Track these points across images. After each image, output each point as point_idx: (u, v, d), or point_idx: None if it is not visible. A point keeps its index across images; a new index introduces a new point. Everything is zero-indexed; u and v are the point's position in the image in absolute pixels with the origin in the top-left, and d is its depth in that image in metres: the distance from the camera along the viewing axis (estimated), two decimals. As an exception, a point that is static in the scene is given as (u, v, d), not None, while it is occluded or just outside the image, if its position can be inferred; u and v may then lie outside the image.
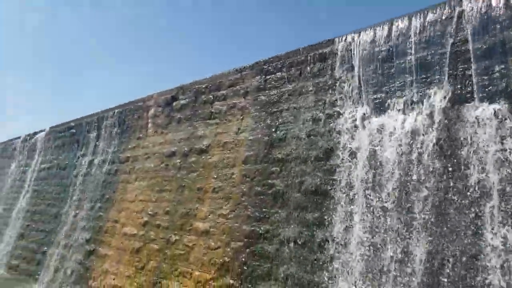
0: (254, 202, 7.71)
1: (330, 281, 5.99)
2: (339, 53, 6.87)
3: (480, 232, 4.57)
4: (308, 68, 7.54)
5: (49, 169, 16.76)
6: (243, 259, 7.41)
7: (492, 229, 4.43)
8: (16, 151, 21.00)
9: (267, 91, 8.27)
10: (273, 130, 7.88)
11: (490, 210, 4.47)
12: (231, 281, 7.42)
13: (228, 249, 7.77)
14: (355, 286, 5.56)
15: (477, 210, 4.60)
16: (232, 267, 7.54)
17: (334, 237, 6.10)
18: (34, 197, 16.83)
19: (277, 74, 8.18)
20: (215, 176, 8.88)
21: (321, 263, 6.20)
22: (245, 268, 7.33)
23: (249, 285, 7.11)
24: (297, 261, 6.58)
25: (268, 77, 8.30)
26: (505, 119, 4.56)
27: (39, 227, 15.28)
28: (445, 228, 4.89)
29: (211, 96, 9.79)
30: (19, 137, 21.03)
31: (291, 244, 6.75)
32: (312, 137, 7.01)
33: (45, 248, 14.09)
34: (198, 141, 9.74)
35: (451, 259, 4.68)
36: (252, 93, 8.63)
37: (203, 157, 9.42)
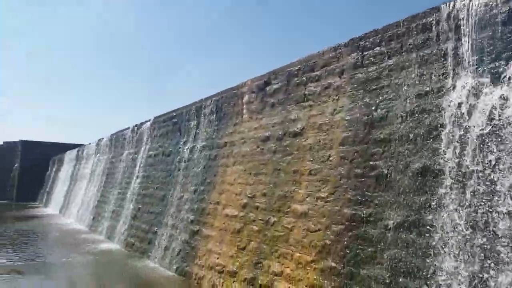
0: (354, 185, 7.57)
1: (437, 266, 5.66)
2: (446, 21, 6.28)
3: None
4: (410, 40, 7.05)
5: (155, 156, 18.51)
6: (345, 243, 7.37)
7: None
8: (126, 141, 23.58)
9: (364, 68, 7.96)
10: (373, 108, 7.58)
11: None
12: (333, 264, 7.44)
13: (329, 232, 7.79)
14: (464, 271, 5.17)
15: None
16: (334, 250, 7.55)
17: (443, 221, 5.72)
18: (144, 181, 18.78)
19: (375, 49, 7.81)
20: (311, 159, 8.91)
21: (428, 247, 5.88)
22: (347, 251, 7.28)
23: (352, 269, 7.06)
24: (403, 246, 6.33)
25: (366, 53, 7.97)
26: None
27: (149, 209, 17.04)
28: None
29: (304, 78, 9.77)
30: (128, 128, 23.55)
31: (397, 228, 6.51)
32: (417, 114, 6.58)
33: (155, 228, 15.69)
34: (292, 124, 9.84)
35: None
36: (348, 71, 8.39)
37: (297, 140, 9.51)
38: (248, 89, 12.10)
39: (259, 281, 9.09)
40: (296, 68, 10.08)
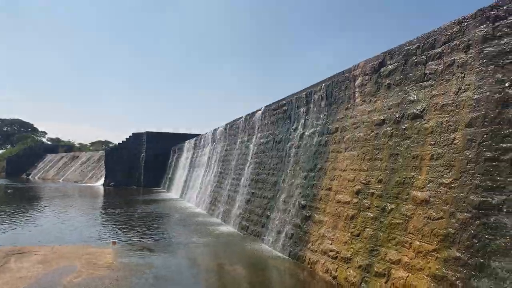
0: (484, 169, 7.11)
1: None
2: None
3: None
4: (556, 3, 6.29)
5: (266, 143, 19.52)
6: (473, 232, 7.01)
7: None
8: (239, 129, 25.24)
9: (496, 41, 7.34)
10: (506, 85, 6.98)
11: None
12: (458, 254, 7.15)
13: (453, 220, 7.48)
14: None
15: None
16: (459, 239, 7.25)
17: None
18: (256, 168, 19.97)
19: (509, 18, 7.14)
20: (433, 142, 8.57)
21: None
22: (475, 241, 6.93)
23: (481, 260, 6.71)
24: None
25: (497, 23, 7.32)
26: None
27: (262, 193, 18.12)
28: None
29: (423, 56, 9.36)
30: (241, 117, 25.14)
31: (537, 218, 5.98)
32: None
33: (268, 213, 16.66)
34: (411, 106, 9.54)
35: None
36: (476, 46, 7.81)
37: (417, 122, 9.20)
38: (361, 71, 12.00)
39: (375, 269, 9.15)
40: (414, 46, 9.69)
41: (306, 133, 15.24)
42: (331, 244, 11.30)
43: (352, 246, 10.33)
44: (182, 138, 54.88)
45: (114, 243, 15.56)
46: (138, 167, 57.35)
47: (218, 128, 31.25)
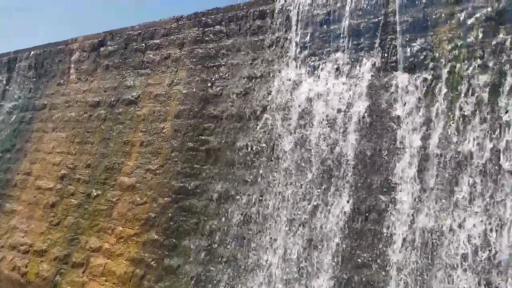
0: (185, 158, 8.09)
1: (255, 235, 6.65)
2: (278, 12, 7.30)
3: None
4: (248, 24, 7.87)
5: None
6: (170, 215, 7.84)
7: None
8: None
9: (204, 44, 8.49)
10: (209, 85, 8.19)
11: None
12: (156, 236, 7.82)
13: (155, 204, 8.12)
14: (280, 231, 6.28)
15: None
16: (158, 222, 7.95)
17: (261, 195, 6.73)
18: None
19: (215, 27, 8.39)
20: (144, 130, 9.06)
21: (248, 218, 6.84)
22: (171, 223, 7.76)
23: (174, 240, 7.58)
24: (223, 216, 7.15)
25: (207, 29, 8.49)
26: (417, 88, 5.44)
27: None
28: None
29: (143, 44, 9.75)
30: None
31: (219, 200, 7.30)
32: (247, 95, 7.47)
33: None
34: (127, 91, 9.74)
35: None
36: (189, 45, 8.79)
37: (131, 108, 9.49)
38: (79, 46, 11.31)
39: (73, 259, 8.81)
40: (136, 32, 9.96)
41: (6, 107, 13.07)
42: (23, 237, 10.10)
43: (49, 237, 9.57)
44: None
45: None
46: None
47: None
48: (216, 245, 6.94)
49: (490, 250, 4.37)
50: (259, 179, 6.79)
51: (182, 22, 9.00)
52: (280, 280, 6.02)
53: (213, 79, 8.13)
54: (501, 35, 4.91)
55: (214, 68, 8.20)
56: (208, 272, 6.86)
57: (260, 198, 6.73)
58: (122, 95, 9.75)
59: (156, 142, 8.67)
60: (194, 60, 8.61)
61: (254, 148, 6.97)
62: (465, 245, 4.53)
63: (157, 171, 8.37)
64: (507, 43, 4.85)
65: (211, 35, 8.38)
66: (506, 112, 4.68)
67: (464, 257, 4.52)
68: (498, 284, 4.27)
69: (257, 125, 7.04)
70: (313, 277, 5.59)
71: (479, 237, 4.48)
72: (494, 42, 4.94)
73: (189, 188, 7.73)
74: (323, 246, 5.70)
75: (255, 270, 6.38)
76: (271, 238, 6.35)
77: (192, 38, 8.76)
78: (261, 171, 6.77)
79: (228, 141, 7.49)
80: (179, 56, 8.92)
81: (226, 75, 7.93)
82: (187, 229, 7.48)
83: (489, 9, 5.03)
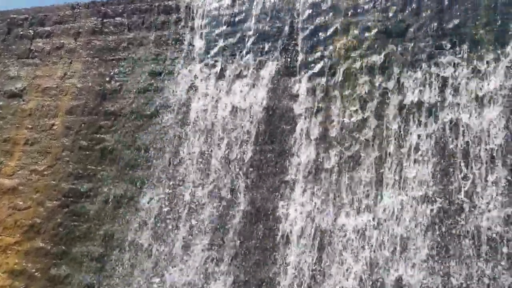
0: (78, 157, 7.50)
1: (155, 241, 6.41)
2: (183, 9, 7.18)
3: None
4: (152, 18, 7.58)
5: None
6: (59, 220, 7.19)
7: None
8: None
9: (103, 36, 7.97)
10: (107, 80, 7.71)
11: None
12: (42, 244, 7.12)
13: (41, 209, 7.38)
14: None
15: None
16: (45, 229, 7.24)
17: (160, 195, 6.52)
18: None
19: (116, 19, 7.95)
20: (30, 126, 8.22)
21: (143, 221, 6.56)
22: (60, 229, 7.12)
23: (64, 248, 6.98)
24: (120, 220, 6.78)
25: (106, 20, 7.98)
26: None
27: None
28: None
29: (31, 31, 8.84)
30: None
31: (116, 203, 6.90)
32: (148, 92, 7.19)
33: None
34: (10, 82, 8.75)
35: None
36: (86, 35, 8.18)
37: (15, 102, 8.54)
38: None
39: None
40: (22, 17, 8.99)
41: None
42: None
43: None
44: None
45: None
46: None
47: None
48: (111, 252, 6.55)
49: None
50: (159, 181, 6.57)
51: (78, 10, 8.36)
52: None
53: (112, 74, 7.67)
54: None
55: (114, 61, 7.75)
56: (103, 281, 6.45)
57: (161, 201, 6.51)
58: (4, 87, 8.73)
59: (44, 140, 7.91)
60: (91, 52, 8.04)
61: (154, 148, 6.74)
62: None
63: (45, 172, 7.64)
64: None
65: (111, 27, 7.91)
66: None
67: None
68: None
69: (159, 124, 6.82)
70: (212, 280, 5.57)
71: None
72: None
73: (81, 190, 7.18)
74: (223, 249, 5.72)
75: (155, 277, 6.16)
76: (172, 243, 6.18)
77: (89, 28, 8.17)
78: (161, 173, 6.56)
79: (126, 140, 7.13)
80: (74, 47, 8.26)
81: (127, 70, 7.55)
82: (78, 235, 6.94)
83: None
